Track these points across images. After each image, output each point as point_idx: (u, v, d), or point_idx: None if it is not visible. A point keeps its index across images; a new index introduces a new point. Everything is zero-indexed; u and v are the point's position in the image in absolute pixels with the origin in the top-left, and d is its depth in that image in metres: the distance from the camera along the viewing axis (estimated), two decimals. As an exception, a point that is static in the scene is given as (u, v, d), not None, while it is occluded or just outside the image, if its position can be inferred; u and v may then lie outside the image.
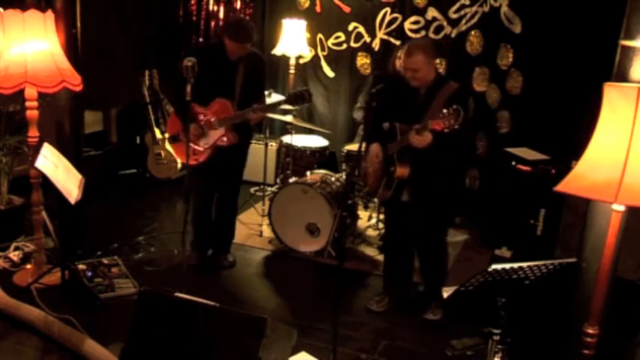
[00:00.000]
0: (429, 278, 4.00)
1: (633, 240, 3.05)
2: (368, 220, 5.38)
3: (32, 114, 3.77)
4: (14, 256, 4.25)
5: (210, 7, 6.36)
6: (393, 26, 5.81)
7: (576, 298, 3.07)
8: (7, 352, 3.33)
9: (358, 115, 5.48)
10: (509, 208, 4.61)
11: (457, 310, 3.84)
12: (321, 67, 6.21)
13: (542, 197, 4.32)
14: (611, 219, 2.40)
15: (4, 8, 3.61)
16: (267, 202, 5.06)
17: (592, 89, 2.68)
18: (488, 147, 5.28)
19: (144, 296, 2.60)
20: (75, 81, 3.78)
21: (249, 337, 2.33)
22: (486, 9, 5.26)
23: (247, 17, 6.35)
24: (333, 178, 4.86)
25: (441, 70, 5.50)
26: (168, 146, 5.81)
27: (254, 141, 6.07)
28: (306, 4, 6.07)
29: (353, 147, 5.15)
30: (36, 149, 3.71)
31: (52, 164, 3.60)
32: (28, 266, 4.12)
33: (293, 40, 5.64)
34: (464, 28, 5.46)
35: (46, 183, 3.79)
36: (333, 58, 6.14)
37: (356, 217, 5.01)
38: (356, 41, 6.00)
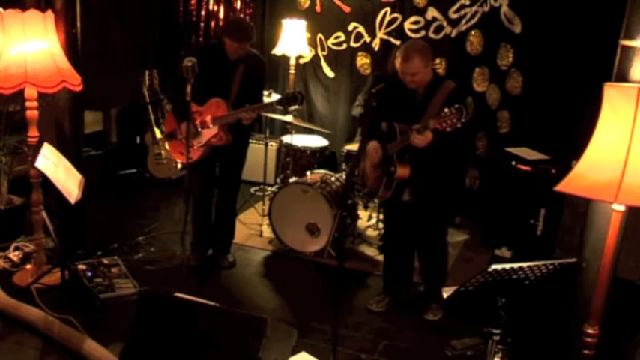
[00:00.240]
0: (428, 278, 4.01)
1: (633, 240, 3.05)
2: (368, 220, 5.38)
3: (32, 114, 3.77)
4: (14, 256, 4.25)
5: (210, 7, 6.36)
6: (393, 26, 5.81)
7: (576, 298, 3.07)
8: (7, 352, 3.33)
9: (357, 111, 5.48)
10: (509, 208, 4.61)
11: (457, 310, 3.84)
12: (321, 67, 6.21)
13: (542, 197, 4.32)
14: (611, 219, 2.40)
15: (4, 8, 3.60)
16: (267, 202, 5.06)
17: (592, 89, 2.68)
18: (488, 147, 5.28)
19: (144, 296, 2.60)
20: (75, 81, 3.78)
21: (249, 337, 2.33)
22: (486, 9, 5.26)
23: (247, 17, 6.36)
24: (333, 178, 4.86)
25: (440, 70, 5.50)
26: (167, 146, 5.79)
27: (254, 141, 6.08)
28: (306, 4, 6.07)
29: (353, 147, 5.15)
30: (36, 149, 3.70)
31: (52, 164, 3.60)
32: (28, 266, 4.12)
33: (293, 40, 5.64)
34: (464, 28, 5.46)
35: (46, 183, 3.79)
36: (333, 58, 6.14)
37: (356, 217, 5.01)
38: (356, 41, 6.00)
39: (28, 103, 3.74)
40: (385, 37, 5.86)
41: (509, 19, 4.98)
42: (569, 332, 3.07)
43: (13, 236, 4.47)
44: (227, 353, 2.37)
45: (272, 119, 5.71)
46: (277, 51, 5.74)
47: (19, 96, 3.82)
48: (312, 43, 6.08)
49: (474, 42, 5.39)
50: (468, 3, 5.40)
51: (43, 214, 4.09)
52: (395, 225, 3.98)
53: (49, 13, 3.73)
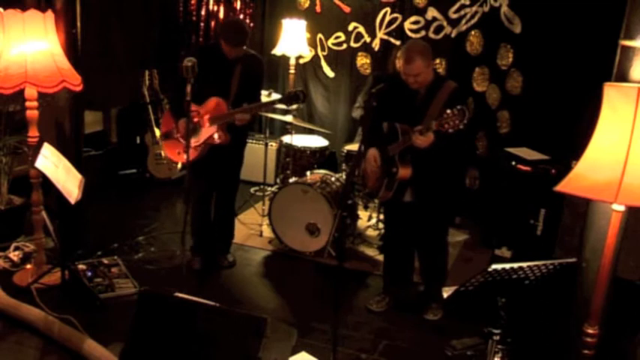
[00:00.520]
0: (429, 278, 4.01)
1: (633, 240, 3.05)
2: (368, 220, 5.38)
3: (32, 114, 3.77)
4: (14, 256, 4.25)
5: (210, 7, 6.36)
6: (393, 26, 5.81)
7: (576, 298, 3.07)
8: (7, 352, 3.33)
9: (357, 113, 5.48)
10: (509, 208, 4.61)
11: (457, 310, 3.84)
12: (321, 67, 6.21)
13: (542, 197, 4.32)
14: (611, 219, 2.40)
15: (4, 8, 3.60)
16: (267, 202, 5.06)
17: (592, 89, 2.68)
18: (488, 147, 5.28)
19: (144, 296, 2.60)
20: (75, 81, 3.78)
21: (249, 337, 2.33)
22: (486, 9, 5.26)
23: (247, 17, 6.36)
24: (333, 178, 4.86)
25: (440, 70, 5.50)
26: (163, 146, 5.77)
27: (254, 141, 6.09)
28: (306, 4, 6.07)
29: (353, 147, 5.15)
30: (36, 149, 3.71)
31: (52, 164, 3.60)
32: (28, 266, 4.12)
33: (293, 40, 5.64)
34: (464, 28, 5.46)
35: (46, 183, 3.79)
36: (333, 58, 6.14)
37: (356, 217, 5.01)
38: (356, 41, 6.00)
39: (28, 103, 3.74)
40: (385, 37, 5.86)
41: (509, 19, 4.98)
42: (569, 332, 3.07)
43: (13, 236, 4.47)
44: (227, 353, 2.37)
45: (272, 119, 5.71)
46: (277, 51, 5.74)
47: (19, 96, 3.82)
48: (312, 43, 6.08)
49: (474, 42, 5.39)
50: (467, 3, 5.40)
51: (43, 214, 4.09)
52: (396, 225, 3.98)
53: (49, 13, 3.73)
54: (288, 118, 5.19)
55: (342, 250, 4.20)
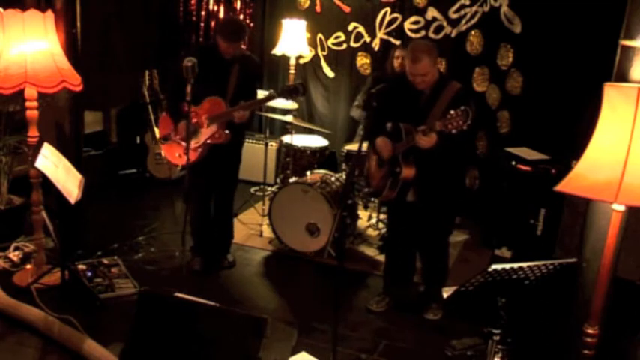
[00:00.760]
0: (430, 279, 4.00)
1: (633, 240, 3.05)
2: (368, 220, 5.38)
3: (32, 114, 3.77)
4: (14, 256, 4.25)
5: (210, 7, 6.36)
6: (393, 26, 5.81)
7: (576, 298, 3.07)
8: (7, 352, 3.33)
9: (356, 113, 5.48)
10: (509, 208, 4.61)
11: (457, 310, 3.84)
12: (321, 67, 6.21)
13: (542, 197, 4.32)
14: (611, 219, 2.40)
15: (4, 8, 3.60)
16: (267, 202, 5.06)
17: (592, 89, 2.68)
18: (488, 147, 5.28)
19: (144, 296, 2.60)
20: (75, 81, 3.78)
21: (249, 337, 2.33)
22: (486, 9, 5.26)
23: (247, 17, 6.36)
24: (333, 178, 4.86)
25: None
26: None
27: (254, 141, 6.09)
28: (306, 4, 6.07)
29: (353, 147, 5.15)
30: (36, 149, 3.71)
31: (52, 164, 3.60)
32: (28, 266, 4.12)
33: (293, 40, 5.64)
34: (464, 28, 5.46)
35: (46, 183, 3.79)
36: (333, 58, 6.14)
37: (356, 217, 5.01)
38: (356, 41, 6.00)
39: (28, 103, 3.74)
40: (385, 37, 5.86)
41: (509, 19, 4.98)
42: (569, 332, 3.07)
43: (13, 236, 4.47)
44: (227, 353, 2.37)
45: (272, 119, 5.71)
46: (277, 51, 5.74)
47: (19, 96, 3.82)
48: (312, 43, 6.08)
49: (474, 42, 5.39)
50: (468, 3, 5.40)
51: (43, 214, 4.09)
52: (398, 225, 3.97)
53: (49, 13, 3.73)
54: (288, 118, 5.19)
55: (342, 250, 4.20)
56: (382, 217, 5.26)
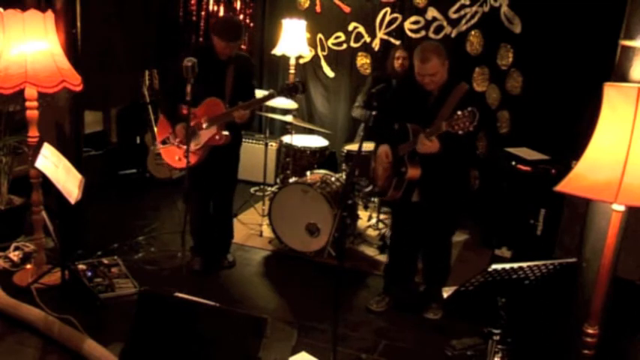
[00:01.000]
0: (431, 278, 4.00)
1: (633, 240, 3.05)
2: (368, 220, 5.38)
3: (32, 114, 3.77)
4: (14, 256, 4.24)
5: (210, 7, 6.36)
6: (393, 26, 5.81)
7: (576, 298, 3.07)
8: (7, 352, 3.33)
9: (357, 113, 5.48)
10: (509, 208, 4.61)
11: (457, 310, 3.84)
12: (321, 67, 6.21)
13: (542, 197, 4.32)
14: (611, 219, 2.40)
15: (4, 8, 3.60)
16: (267, 202, 5.06)
17: (592, 89, 2.68)
18: (488, 147, 5.28)
19: (144, 296, 2.60)
20: (75, 81, 3.78)
21: (249, 337, 2.33)
22: (486, 9, 5.26)
23: (247, 17, 6.36)
24: (333, 178, 4.86)
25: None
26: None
27: (254, 141, 6.09)
28: (306, 4, 6.07)
29: (353, 147, 5.15)
30: (36, 149, 3.70)
31: (52, 164, 3.60)
32: (28, 266, 4.12)
33: (293, 40, 5.64)
34: (464, 28, 5.46)
35: (46, 183, 3.79)
36: (333, 58, 6.14)
37: (356, 217, 5.01)
38: (356, 41, 6.00)
39: (28, 103, 3.74)
40: (385, 37, 5.86)
41: (509, 19, 4.98)
42: (569, 332, 3.07)
43: (13, 236, 4.47)
44: (227, 353, 2.37)
45: (272, 119, 5.71)
46: (277, 51, 5.74)
47: (19, 96, 3.82)
48: (312, 43, 6.08)
49: (474, 42, 5.39)
50: (468, 3, 5.40)
51: (43, 214, 4.09)
52: (403, 225, 3.97)
53: (49, 13, 3.73)
54: (288, 118, 5.19)
55: (342, 250, 4.20)
56: (382, 217, 5.26)
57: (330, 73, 6.20)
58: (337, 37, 6.06)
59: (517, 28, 4.93)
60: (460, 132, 3.23)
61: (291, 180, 5.04)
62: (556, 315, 3.48)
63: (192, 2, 6.33)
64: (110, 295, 3.88)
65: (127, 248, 4.58)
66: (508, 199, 4.63)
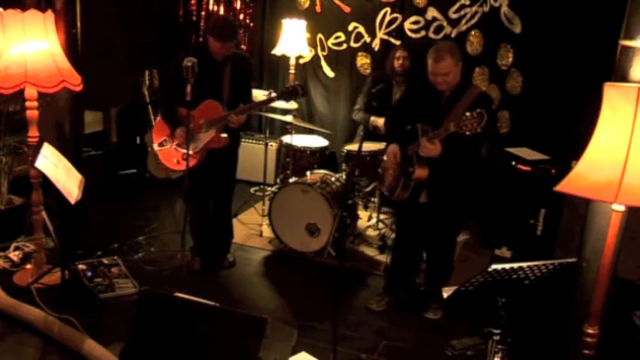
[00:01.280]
0: (433, 278, 3.99)
1: (633, 240, 3.05)
2: (368, 220, 5.38)
3: (32, 114, 3.77)
4: (14, 256, 4.25)
5: (210, 7, 6.36)
6: (393, 26, 5.81)
7: (576, 298, 3.07)
8: (7, 352, 3.33)
9: (358, 116, 5.47)
10: (509, 208, 4.61)
11: (457, 310, 3.84)
12: (321, 67, 6.21)
13: (542, 197, 4.32)
14: (611, 219, 2.40)
15: (4, 8, 3.60)
16: (267, 202, 5.06)
17: (592, 89, 2.68)
18: (489, 147, 5.28)
19: (144, 296, 2.60)
20: (75, 81, 3.78)
21: (249, 337, 2.33)
22: (486, 9, 5.26)
23: (247, 17, 6.36)
24: (333, 178, 4.86)
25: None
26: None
27: (254, 141, 6.09)
28: (306, 4, 6.07)
29: (353, 147, 5.14)
30: (36, 149, 3.70)
31: (52, 164, 3.60)
32: (28, 266, 4.12)
33: (293, 40, 5.64)
34: (464, 28, 5.46)
35: (46, 183, 3.79)
36: (333, 58, 6.14)
37: (356, 217, 5.01)
38: (356, 41, 6.00)
39: (28, 103, 3.74)
40: (385, 37, 5.86)
41: (509, 19, 4.98)
42: (569, 332, 3.07)
43: (13, 236, 4.47)
44: (227, 353, 2.37)
45: (272, 119, 5.71)
46: (277, 51, 5.74)
47: (19, 96, 3.82)
48: (312, 43, 6.08)
49: (474, 42, 5.39)
50: (468, 3, 5.40)
51: (43, 214, 4.09)
52: (409, 226, 3.97)
53: (49, 13, 3.73)
54: (288, 118, 5.19)
55: (342, 250, 4.20)
56: (382, 217, 5.26)
57: (330, 73, 6.20)
58: (337, 37, 6.06)
59: (517, 28, 4.93)
60: (467, 133, 3.23)
61: (291, 180, 5.04)
62: (556, 315, 3.48)
63: (192, 2, 6.33)
64: (110, 295, 3.88)
65: (127, 248, 4.58)
66: (508, 199, 4.63)
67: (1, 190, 4.49)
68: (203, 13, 6.35)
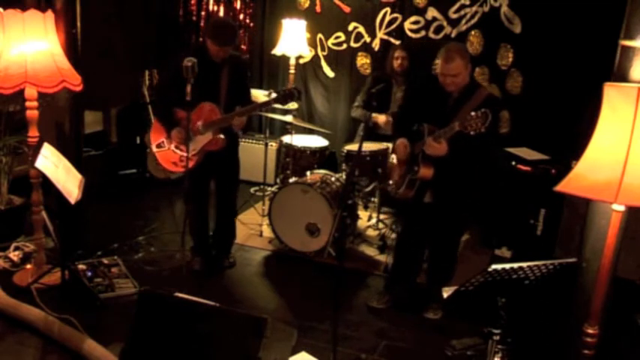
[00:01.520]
0: (434, 279, 3.98)
1: (633, 240, 3.05)
2: (368, 220, 5.38)
3: (32, 114, 3.77)
4: (14, 256, 4.25)
5: (210, 7, 6.36)
6: (393, 26, 5.81)
7: (576, 298, 3.07)
8: (7, 352, 3.33)
9: (357, 113, 5.47)
10: (509, 208, 4.61)
11: (457, 310, 3.84)
12: (321, 67, 6.21)
13: (542, 197, 4.32)
14: (611, 219, 2.40)
15: (4, 8, 3.60)
16: (267, 202, 5.06)
17: (592, 89, 2.68)
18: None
19: (144, 296, 2.60)
20: (75, 81, 3.78)
21: (249, 337, 2.33)
22: (486, 9, 5.26)
23: (247, 17, 6.36)
24: (333, 178, 4.86)
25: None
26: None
27: (254, 141, 6.09)
28: (306, 4, 6.07)
29: (353, 147, 5.14)
30: (36, 149, 3.70)
31: (52, 164, 3.60)
32: (28, 266, 4.12)
33: (293, 40, 5.64)
34: (464, 28, 5.46)
35: (46, 183, 3.79)
36: (333, 58, 6.14)
37: (356, 217, 5.01)
38: (356, 41, 6.00)
39: (28, 103, 3.74)
40: (385, 37, 5.86)
41: (509, 19, 4.98)
42: (569, 332, 3.07)
43: (13, 236, 4.47)
44: (227, 353, 2.37)
45: (272, 119, 5.71)
46: (277, 51, 5.74)
47: (19, 96, 3.82)
48: (312, 43, 6.08)
49: (474, 42, 5.39)
50: (468, 3, 5.41)
51: (43, 214, 4.09)
52: (413, 225, 3.97)
53: (49, 13, 3.73)
54: (288, 118, 5.19)
55: (342, 250, 4.20)
56: (382, 217, 5.26)
57: (330, 73, 6.20)
58: (337, 37, 6.06)
59: (517, 28, 4.93)
60: (472, 132, 3.23)
61: (291, 180, 5.04)
62: (556, 315, 3.48)
63: (192, 2, 6.33)
64: (110, 295, 3.88)
65: (127, 248, 4.58)
66: (508, 199, 4.63)
67: (1, 190, 4.49)
68: (203, 13, 6.36)
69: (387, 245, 4.82)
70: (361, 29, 5.94)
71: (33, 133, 3.80)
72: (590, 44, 4.28)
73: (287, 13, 6.03)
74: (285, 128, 5.87)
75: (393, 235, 4.86)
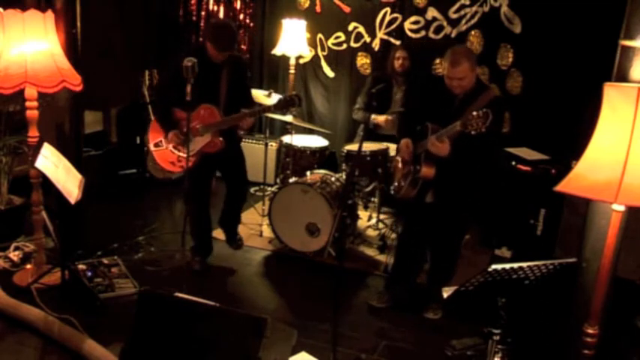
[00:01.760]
0: (435, 279, 3.98)
1: (633, 240, 3.05)
2: (368, 220, 5.38)
3: (32, 114, 3.77)
4: (14, 256, 4.24)
5: (210, 7, 6.36)
6: (393, 26, 5.81)
7: (576, 298, 3.07)
8: (7, 352, 3.33)
9: (358, 115, 5.48)
10: (509, 208, 4.61)
11: (457, 310, 3.84)
12: (321, 67, 6.21)
13: (542, 197, 4.32)
14: (611, 219, 2.40)
15: (4, 8, 3.60)
16: (267, 202, 5.06)
17: (592, 89, 2.68)
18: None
19: (144, 296, 2.60)
20: (75, 81, 3.78)
21: (249, 338, 2.33)
22: (486, 9, 5.26)
23: (247, 17, 6.36)
24: (333, 178, 4.86)
25: (440, 71, 5.50)
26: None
27: (254, 141, 6.09)
28: (306, 4, 6.07)
29: (353, 147, 5.14)
30: (36, 149, 3.70)
31: (52, 164, 3.60)
32: (28, 266, 4.12)
33: (293, 40, 5.64)
34: (464, 28, 5.46)
35: (46, 183, 3.79)
36: (333, 58, 6.14)
37: (356, 217, 5.01)
38: (356, 41, 6.00)
39: (28, 103, 3.74)
40: (385, 37, 5.86)
41: (509, 19, 4.99)
42: (569, 332, 3.07)
43: (13, 236, 4.47)
44: (227, 353, 2.37)
45: (272, 119, 5.71)
46: (277, 51, 5.74)
47: (19, 96, 3.82)
48: (312, 43, 6.08)
49: (474, 42, 5.39)
50: (468, 3, 5.41)
51: (43, 214, 4.09)
52: (414, 225, 3.97)
53: (49, 13, 3.73)
54: (288, 118, 5.19)
55: (342, 250, 4.20)
56: (382, 217, 5.26)
57: (330, 73, 6.20)
58: (337, 37, 6.06)
59: (517, 28, 4.93)
60: (473, 132, 3.23)
61: (291, 180, 5.04)
62: (556, 315, 3.48)
63: (192, 2, 6.33)
64: (110, 295, 3.88)
65: (127, 248, 4.58)
66: (508, 199, 4.63)
67: (1, 190, 4.49)
68: (203, 13, 6.35)
69: (387, 245, 4.82)
70: (361, 29, 5.94)
71: (33, 133, 3.79)
72: (590, 44, 4.28)
73: (287, 13, 6.03)
74: (285, 128, 5.87)
75: (393, 235, 4.86)
